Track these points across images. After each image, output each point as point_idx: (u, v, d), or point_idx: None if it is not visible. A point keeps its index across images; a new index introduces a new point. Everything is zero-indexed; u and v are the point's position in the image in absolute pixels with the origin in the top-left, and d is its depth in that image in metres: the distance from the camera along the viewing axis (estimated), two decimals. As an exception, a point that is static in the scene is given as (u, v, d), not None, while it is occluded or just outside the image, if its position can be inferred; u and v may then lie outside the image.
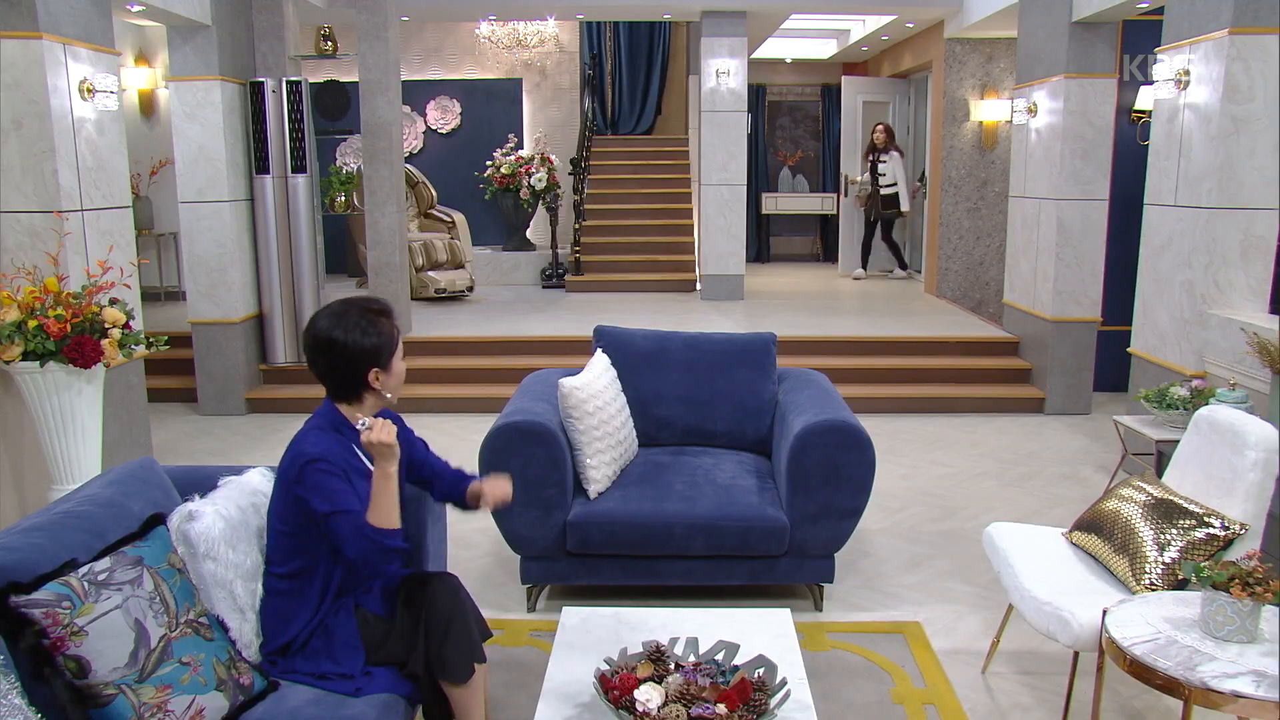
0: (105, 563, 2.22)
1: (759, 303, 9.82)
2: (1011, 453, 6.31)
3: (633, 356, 4.43)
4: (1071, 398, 7.23)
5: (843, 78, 12.94)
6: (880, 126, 11.40)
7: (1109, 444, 6.44)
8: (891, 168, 11.33)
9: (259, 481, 2.87)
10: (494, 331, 8.14)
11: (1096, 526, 3.24)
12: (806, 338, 7.83)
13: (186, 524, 2.54)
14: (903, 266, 11.99)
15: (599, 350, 4.32)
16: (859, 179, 11.84)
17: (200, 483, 2.82)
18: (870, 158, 11.47)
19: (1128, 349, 6.00)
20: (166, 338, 4.73)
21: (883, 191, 11.40)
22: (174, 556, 2.43)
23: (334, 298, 3.00)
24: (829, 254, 14.12)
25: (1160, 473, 4.66)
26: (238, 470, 2.91)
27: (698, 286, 10.43)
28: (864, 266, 11.92)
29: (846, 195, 12.16)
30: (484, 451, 3.81)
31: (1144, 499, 3.14)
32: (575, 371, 4.38)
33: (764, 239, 14.34)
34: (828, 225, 14.15)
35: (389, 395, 2.69)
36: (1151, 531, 3.00)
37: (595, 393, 3.91)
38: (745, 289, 10.06)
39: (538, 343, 7.83)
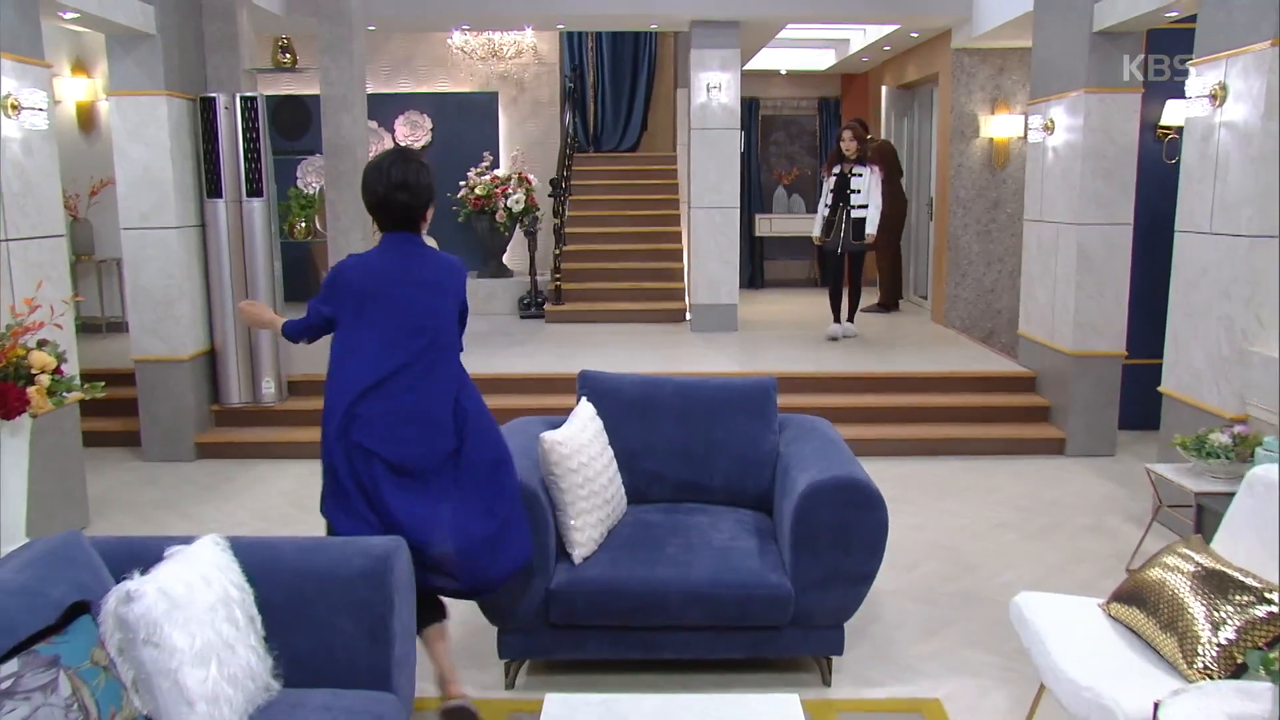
0: (12, 666, 2.05)
1: (753, 334, 9.73)
2: (1031, 500, 6.20)
3: (620, 404, 4.33)
4: (1095, 438, 7.13)
5: (886, 88, 12.90)
6: (849, 132, 9.05)
7: (1137, 489, 6.32)
8: (867, 184, 9.00)
9: (211, 553, 2.72)
10: (467, 367, 7.98)
11: (1139, 599, 3.10)
12: (805, 374, 7.77)
13: (124, 606, 2.39)
14: (850, 317, 9.65)
15: (583, 399, 4.22)
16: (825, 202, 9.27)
17: (139, 555, 2.66)
18: (837, 170, 9.14)
19: (1158, 389, 5.88)
20: (103, 383, 4.55)
21: (853, 214, 9.03)
22: (98, 652, 2.26)
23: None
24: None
25: (1200, 528, 4.54)
26: (185, 540, 2.75)
27: (688, 317, 10.35)
28: (840, 319, 9.50)
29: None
30: (456, 513, 3.66)
31: (1192, 569, 3.00)
32: (557, 419, 4.28)
33: (758, 263, 14.30)
34: (826, 248, 14.07)
35: (425, 229, 3.55)
36: (1203, 607, 2.86)
37: (579, 447, 3.79)
38: (739, 319, 9.99)
39: (515, 380, 7.70)
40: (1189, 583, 2.97)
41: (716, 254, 9.72)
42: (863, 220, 9.02)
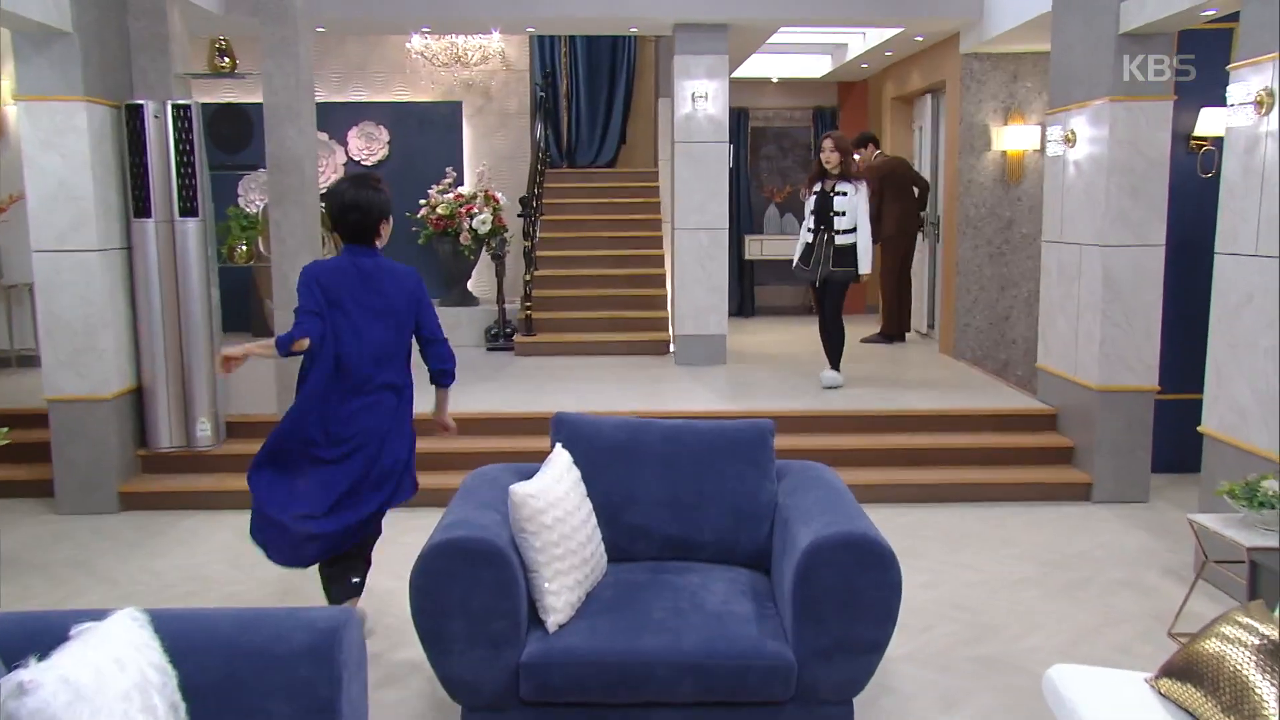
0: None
1: (744, 368, 9.67)
2: (1055, 553, 6.11)
3: (599, 451, 4.26)
4: (1125, 482, 7.06)
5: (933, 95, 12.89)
6: (829, 142, 8.49)
7: (1176, 540, 6.25)
8: (852, 205, 8.37)
9: (127, 630, 2.56)
10: (429, 406, 7.85)
11: (1194, 674, 2.97)
12: (802, 412, 7.73)
13: (15, 701, 2.21)
14: (834, 364, 8.76)
15: (558, 445, 4.14)
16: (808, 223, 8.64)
17: (39, 635, 2.52)
18: (819, 189, 8.53)
19: (1198, 428, 5.80)
20: (6, 428, 4.40)
21: (837, 240, 8.41)
22: (-18, 755, 2.09)
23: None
24: (825, 306, 13.98)
25: (1255, 588, 4.43)
26: (96, 615, 2.59)
27: (672, 349, 10.30)
28: (838, 365, 8.77)
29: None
30: (416, 575, 3.56)
31: (1256, 642, 2.88)
32: (528, 467, 4.22)
33: (747, 289, 14.29)
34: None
35: (380, 242, 4.56)
36: (1273, 688, 2.74)
37: (555, 500, 3.70)
38: (728, 351, 9.96)
39: (481, 420, 7.59)
40: (1254, 658, 2.84)
41: (703, 279, 9.67)
42: (848, 248, 8.36)
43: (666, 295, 11.04)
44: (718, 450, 4.32)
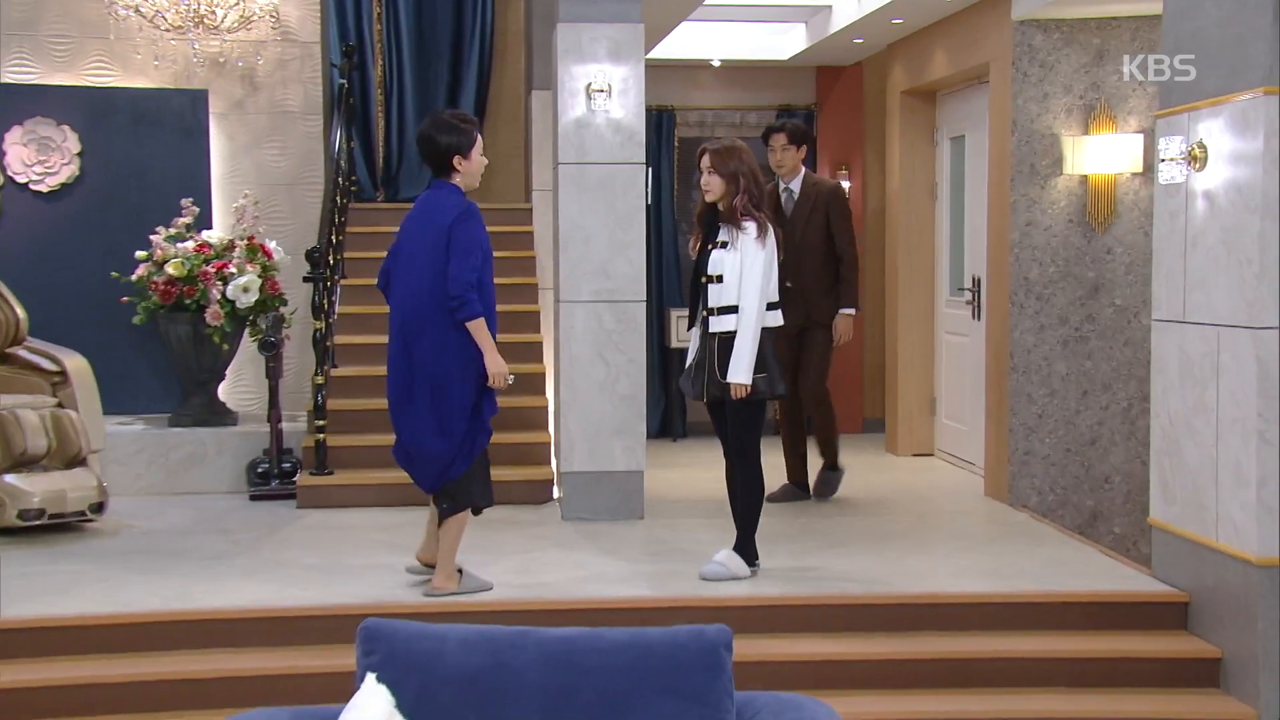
0: None
1: (673, 526, 9.65)
2: None
3: (441, 684, 4.10)
4: (1313, 717, 7.00)
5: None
6: (706, 157, 8.03)
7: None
8: (734, 264, 7.80)
9: None
10: (144, 603, 7.72)
11: None
12: (770, 600, 7.74)
13: None
14: (742, 536, 8.12)
15: (369, 676, 3.95)
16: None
17: None
18: (702, 237, 8.18)
19: None
20: None
21: (711, 325, 7.92)
22: None
23: None
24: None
25: None
26: None
27: (556, 495, 10.31)
28: (749, 556, 8.12)
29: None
30: None
31: None
32: (324, 715, 4.13)
33: (674, 397, 14.32)
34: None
35: (460, 178, 7.52)
36: None
37: None
38: (646, 497, 9.94)
39: (239, 623, 7.41)
40: None
41: (605, 382, 9.69)
42: (728, 339, 7.79)
43: (547, 408, 11.09)
44: (638, 679, 4.21)
